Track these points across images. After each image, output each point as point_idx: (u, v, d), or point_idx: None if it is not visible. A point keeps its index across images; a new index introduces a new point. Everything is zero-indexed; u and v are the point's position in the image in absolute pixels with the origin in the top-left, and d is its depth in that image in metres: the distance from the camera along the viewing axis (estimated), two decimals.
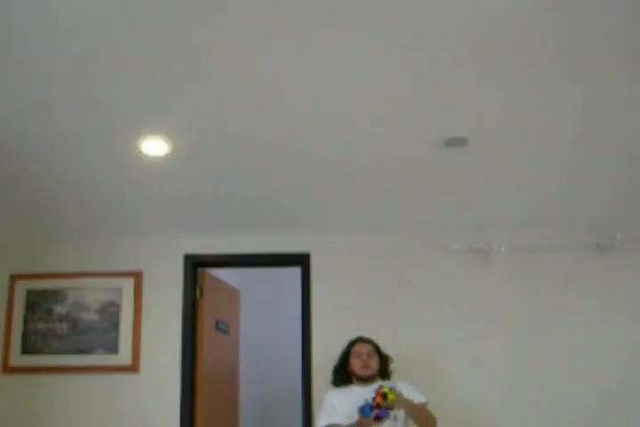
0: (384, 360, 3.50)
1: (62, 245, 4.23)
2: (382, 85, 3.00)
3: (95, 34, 2.70)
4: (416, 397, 3.23)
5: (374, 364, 3.42)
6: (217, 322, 4.51)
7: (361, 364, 3.40)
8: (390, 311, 4.00)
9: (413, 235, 4.12)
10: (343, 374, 3.47)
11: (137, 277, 4.15)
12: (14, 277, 4.21)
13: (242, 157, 3.53)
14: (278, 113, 3.19)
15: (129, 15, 2.62)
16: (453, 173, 3.65)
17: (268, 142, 3.40)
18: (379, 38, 2.72)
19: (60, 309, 4.14)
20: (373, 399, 3.01)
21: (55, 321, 4.12)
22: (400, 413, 3.18)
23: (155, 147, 3.41)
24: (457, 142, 3.36)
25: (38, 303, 4.15)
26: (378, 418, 3.02)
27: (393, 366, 3.55)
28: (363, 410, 3.05)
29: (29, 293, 4.17)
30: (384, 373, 3.49)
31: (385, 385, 3.10)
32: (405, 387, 3.24)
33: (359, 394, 3.19)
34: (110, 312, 4.11)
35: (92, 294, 4.14)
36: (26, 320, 4.13)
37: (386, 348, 3.55)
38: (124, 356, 4.04)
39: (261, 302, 5.66)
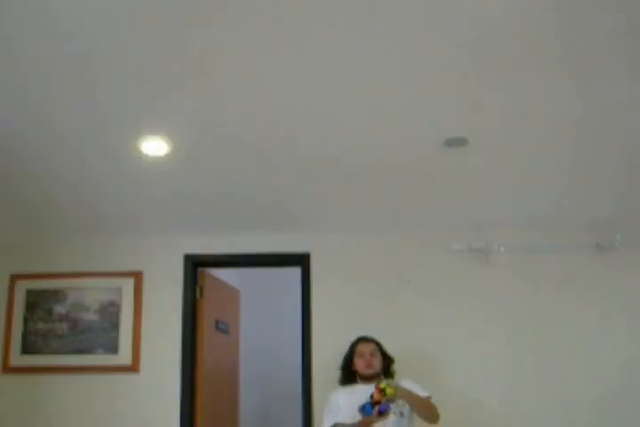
0: (387, 359, 3.52)
1: (62, 245, 4.24)
2: (382, 85, 3.00)
3: (95, 34, 2.70)
4: (419, 392, 3.24)
5: (377, 363, 3.44)
6: (217, 322, 4.51)
7: (364, 363, 3.42)
8: (390, 311, 4.01)
9: (413, 235, 4.13)
10: (348, 374, 3.50)
11: (137, 277, 4.16)
12: (14, 277, 4.21)
13: (242, 157, 3.53)
14: (278, 113, 3.19)
15: (129, 15, 2.61)
16: (453, 173, 3.65)
17: (268, 142, 3.40)
18: (379, 38, 2.72)
19: (59, 309, 4.14)
20: (371, 396, 3.02)
21: (55, 321, 4.12)
22: (405, 409, 3.21)
23: (155, 147, 3.40)
24: (457, 142, 3.36)
25: (38, 303, 4.15)
26: (381, 413, 3.01)
27: (393, 366, 3.54)
28: (364, 409, 3.04)
29: (29, 293, 4.17)
30: (388, 371, 3.50)
31: (382, 381, 3.11)
32: (409, 384, 3.25)
33: (364, 393, 3.19)
34: (110, 312, 4.12)
35: (91, 294, 4.14)
36: (26, 320, 4.14)
37: (386, 348, 3.55)
38: (123, 356, 4.04)
39: (261, 302, 5.65)
